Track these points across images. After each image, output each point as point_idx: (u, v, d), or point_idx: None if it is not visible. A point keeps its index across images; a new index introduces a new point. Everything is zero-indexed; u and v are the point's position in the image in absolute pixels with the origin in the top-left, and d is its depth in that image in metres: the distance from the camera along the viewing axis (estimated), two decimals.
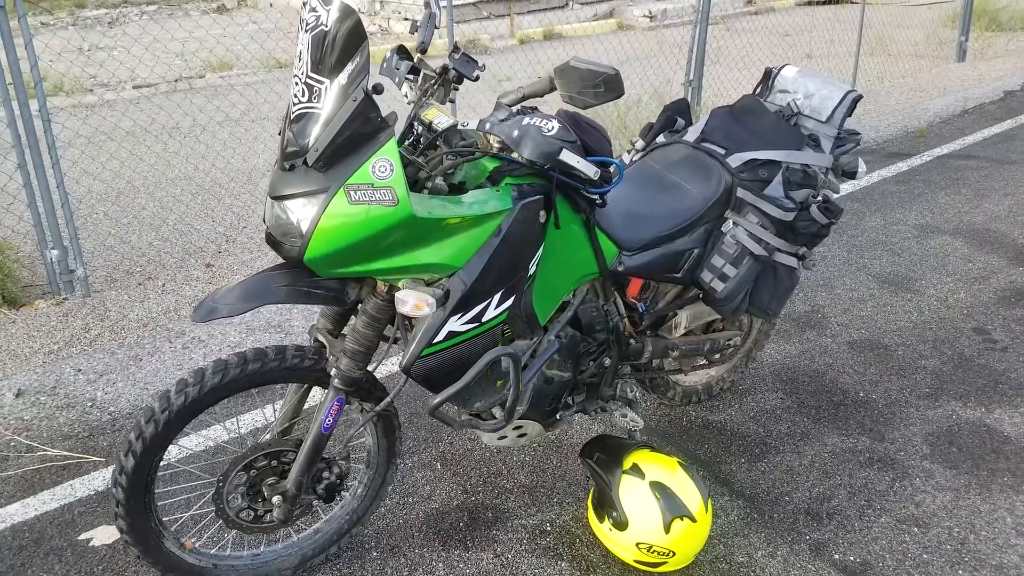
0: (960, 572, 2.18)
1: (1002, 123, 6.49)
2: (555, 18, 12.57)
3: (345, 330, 2.04)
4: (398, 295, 1.75)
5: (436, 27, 2.13)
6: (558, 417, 2.34)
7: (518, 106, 1.88)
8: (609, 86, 1.68)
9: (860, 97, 2.45)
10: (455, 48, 2.07)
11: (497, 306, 1.90)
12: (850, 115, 2.46)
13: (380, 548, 2.32)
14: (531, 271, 1.96)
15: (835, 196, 2.39)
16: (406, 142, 1.98)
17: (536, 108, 2.13)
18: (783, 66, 2.60)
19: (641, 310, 2.45)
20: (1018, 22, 10.64)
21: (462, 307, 1.83)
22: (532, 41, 11.16)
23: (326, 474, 2.09)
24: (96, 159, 5.63)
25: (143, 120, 6.62)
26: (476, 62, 2.06)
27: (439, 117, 1.94)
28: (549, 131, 1.66)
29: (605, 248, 2.22)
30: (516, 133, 1.66)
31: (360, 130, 1.66)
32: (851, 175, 2.51)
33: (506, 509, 2.49)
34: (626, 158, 2.69)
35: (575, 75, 1.70)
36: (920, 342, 3.35)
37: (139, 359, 3.37)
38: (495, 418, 2.12)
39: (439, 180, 1.82)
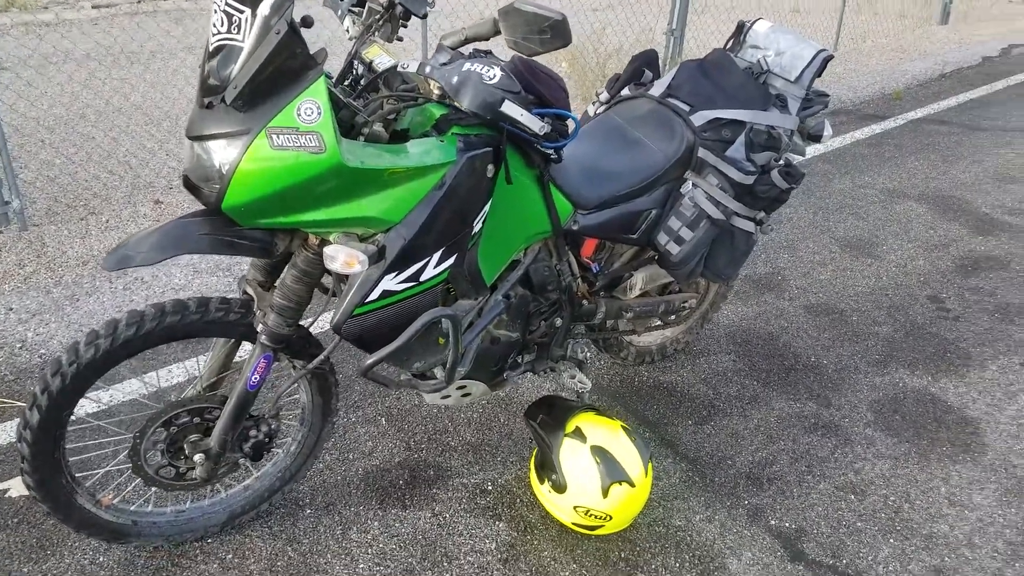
0: (891, 540, 2.21)
1: (977, 89, 6.46)
2: None
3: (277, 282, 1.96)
4: (327, 251, 1.66)
5: None
6: (505, 377, 2.30)
7: (468, 49, 1.78)
8: (556, 32, 1.57)
9: (831, 57, 2.38)
10: None
11: (437, 265, 1.83)
12: (819, 76, 2.39)
13: (315, 506, 2.29)
14: (476, 228, 1.89)
15: (799, 160, 2.34)
16: (345, 83, 1.87)
17: (490, 52, 2.04)
18: (756, 20, 2.51)
19: (595, 271, 2.40)
20: None
21: (398, 265, 1.75)
22: None
23: (253, 432, 1.99)
24: (46, 84, 5.41)
25: (103, 43, 6.36)
26: None
27: (381, 57, 1.83)
28: (490, 79, 1.55)
29: (559, 206, 2.15)
30: (456, 80, 1.55)
31: (284, 67, 1.50)
32: (816, 138, 2.46)
33: (448, 467, 2.47)
34: (591, 110, 2.61)
35: (520, 18, 1.59)
36: (875, 308, 3.35)
37: (75, 299, 3.27)
38: (436, 379, 2.07)
39: (377, 126, 1.70)
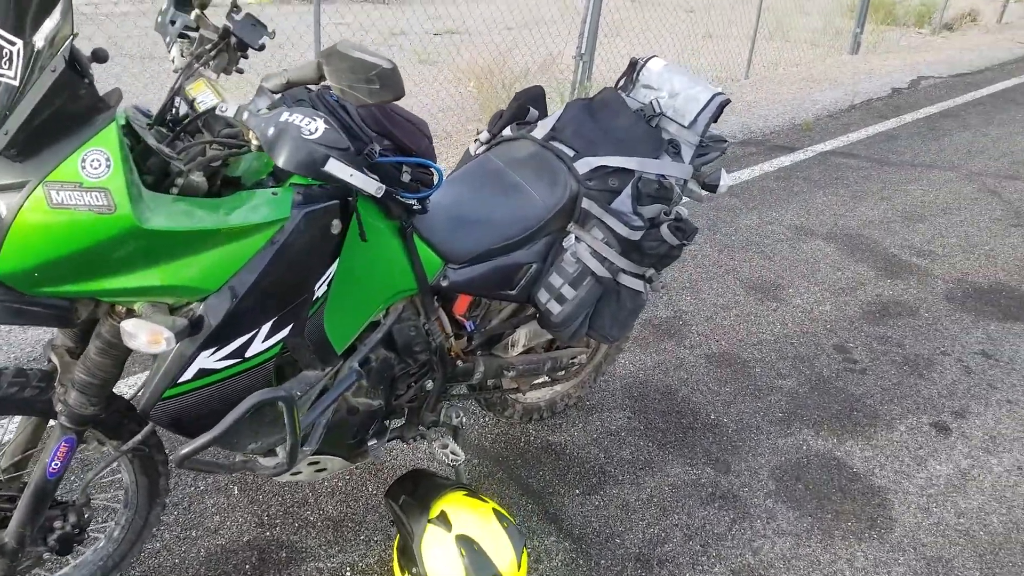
0: None
1: (886, 121, 6.49)
2: None
3: None
4: (124, 326, 1.34)
5: None
6: (366, 448, 2.02)
7: (290, 94, 1.50)
8: (385, 83, 1.32)
9: (727, 102, 2.17)
10: (234, 6, 1.65)
11: (267, 338, 1.53)
12: (715, 120, 2.19)
13: None
14: (319, 293, 1.60)
15: (691, 210, 2.12)
16: (165, 121, 1.58)
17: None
18: (649, 57, 2.30)
19: (469, 329, 2.13)
20: (912, 17, 10.81)
21: (217, 340, 1.46)
22: None
23: (59, 523, 1.70)
24: None
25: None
26: (264, 26, 1.66)
27: (204, 94, 1.53)
28: (311, 133, 1.27)
29: (426, 260, 1.88)
30: (271, 132, 1.27)
31: (66, 110, 1.25)
32: (712, 188, 2.26)
33: (304, 547, 2.16)
34: (472, 148, 2.35)
35: (344, 63, 1.32)
36: (779, 359, 3.18)
37: None
38: (278, 459, 1.77)
39: (196, 176, 1.41)
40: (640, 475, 2.51)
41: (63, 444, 1.57)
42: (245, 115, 1.37)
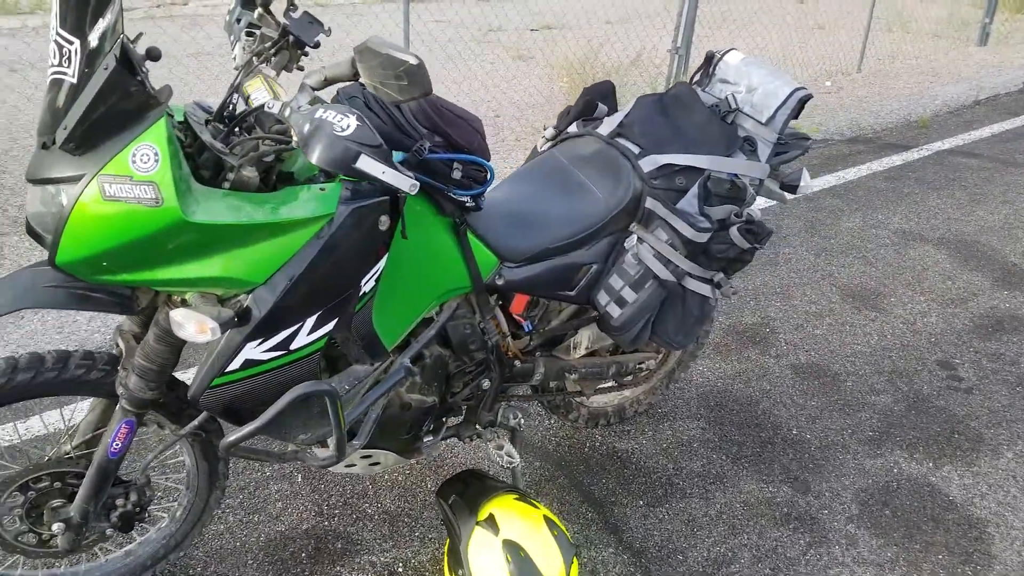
0: None
1: (1015, 118, 5.99)
2: None
3: None
4: (173, 316, 1.40)
5: None
6: (420, 445, 1.99)
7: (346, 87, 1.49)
8: (413, 79, 1.31)
9: (809, 97, 2.02)
10: (291, 4, 1.65)
11: (312, 331, 1.53)
12: (796, 117, 2.04)
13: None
14: (365, 289, 1.59)
15: (759, 216, 1.98)
16: (223, 117, 1.60)
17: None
18: (727, 50, 2.16)
19: (527, 330, 2.07)
20: None
21: (263, 331, 1.48)
22: None
23: (121, 501, 1.77)
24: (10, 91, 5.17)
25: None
26: (320, 24, 1.66)
27: (258, 91, 1.55)
28: (343, 130, 1.27)
29: (481, 258, 1.83)
30: (307, 129, 1.29)
31: (120, 106, 1.31)
32: (791, 189, 2.10)
33: (359, 540, 2.15)
34: (540, 144, 2.28)
35: (375, 60, 1.33)
36: (875, 372, 2.96)
37: None
38: (328, 452, 1.77)
39: (248, 171, 1.44)
40: (710, 490, 2.37)
41: (123, 426, 1.64)
42: (287, 111, 1.38)
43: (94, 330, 2.99)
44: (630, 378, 2.40)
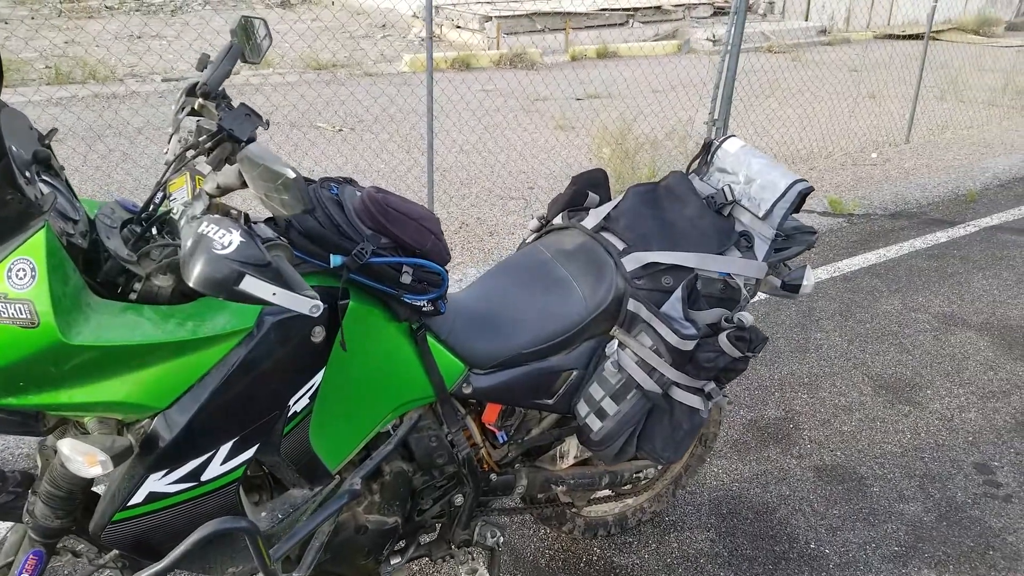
0: None
1: None
2: (613, 36, 12.00)
3: None
4: (60, 447, 1.26)
5: (251, 58, 1.65)
6: (383, 570, 1.84)
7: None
8: (291, 193, 1.21)
9: (810, 190, 1.88)
10: (224, 96, 1.57)
11: (226, 460, 1.40)
12: (796, 211, 1.90)
13: None
14: (296, 409, 1.46)
15: (750, 321, 1.82)
16: (143, 219, 1.50)
17: (352, 180, 1.65)
18: (727, 137, 2.05)
19: (502, 440, 1.93)
20: None
21: (168, 461, 1.35)
22: (585, 58, 10.64)
23: None
24: (80, 160, 5.33)
25: (161, 116, 6.34)
26: (259, 117, 1.56)
27: (180, 191, 1.46)
28: (224, 248, 1.14)
29: (444, 365, 1.71)
30: (188, 245, 1.16)
31: None
32: (792, 289, 1.95)
33: None
34: (528, 234, 2.18)
35: (255, 170, 1.22)
36: (905, 476, 2.72)
37: None
38: None
39: (159, 280, 1.32)
40: None
41: (31, 557, 1.48)
42: (182, 222, 1.28)
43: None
44: (628, 487, 2.23)
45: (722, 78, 5.44)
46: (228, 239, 1.14)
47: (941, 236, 4.83)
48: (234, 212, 1.34)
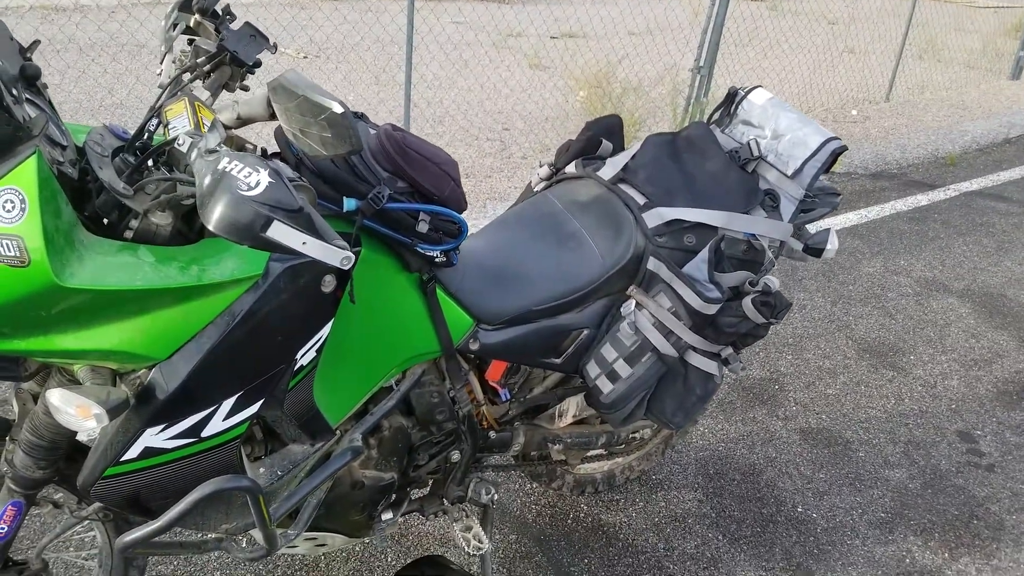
0: None
1: None
2: None
3: None
4: (49, 398, 1.12)
5: None
6: (375, 525, 1.76)
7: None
8: (336, 131, 1.05)
9: (843, 149, 1.78)
10: (228, 12, 1.41)
11: (229, 416, 1.28)
12: (827, 171, 1.80)
13: None
14: (303, 362, 1.34)
15: (777, 286, 1.74)
16: (135, 147, 1.34)
17: (364, 115, 1.50)
18: (752, 88, 1.93)
19: (504, 398, 1.84)
20: None
21: (166, 416, 1.22)
22: None
23: None
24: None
25: (109, 32, 5.94)
26: (265, 38, 1.41)
27: (179, 119, 1.29)
28: (250, 188, 0.99)
29: (452, 319, 1.60)
30: (207, 183, 1.01)
31: None
32: (815, 253, 1.86)
33: None
34: (535, 182, 2.05)
35: (291, 101, 1.06)
36: (890, 442, 2.72)
37: None
38: (255, 544, 1.53)
39: (158, 218, 1.17)
40: (702, 575, 2.14)
41: (10, 507, 1.38)
42: (193, 154, 1.12)
43: None
44: (622, 447, 2.17)
45: (710, 23, 5.29)
46: (255, 179, 0.99)
47: (922, 199, 4.82)
48: (249, 146, 1.19)
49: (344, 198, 1.32)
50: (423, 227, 1.40)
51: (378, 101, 5.33)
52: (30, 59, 1.22)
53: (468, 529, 1.88)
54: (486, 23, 7.41)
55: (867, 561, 2.23)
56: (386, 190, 1.34)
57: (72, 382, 1.25)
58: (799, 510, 2.40)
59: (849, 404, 2.90)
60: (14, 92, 1.09)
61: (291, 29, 6.48)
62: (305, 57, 6.33)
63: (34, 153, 1.05)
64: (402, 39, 5.72)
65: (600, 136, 1.95)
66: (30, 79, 1.15)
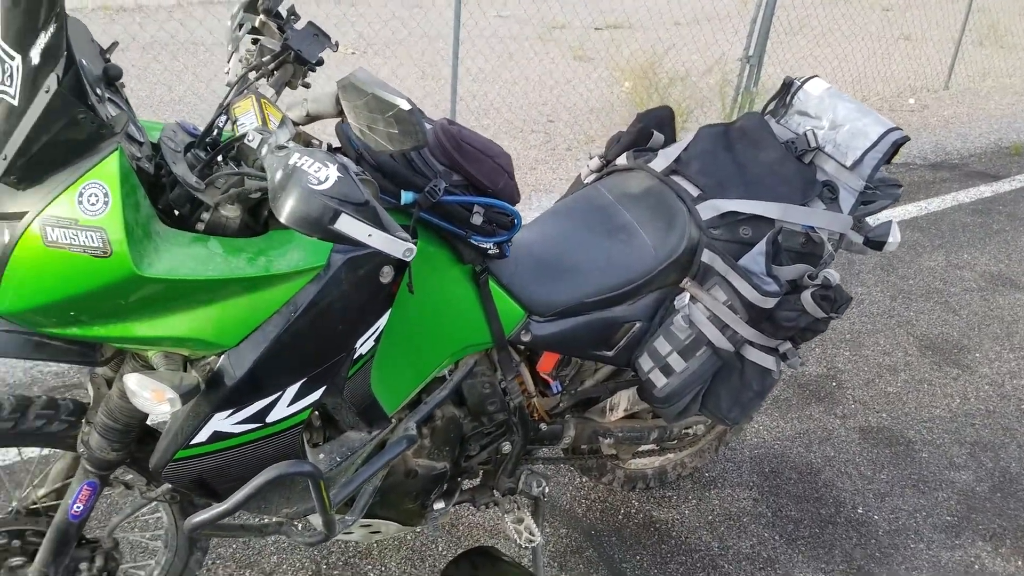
0: None
1: None
2: None
3: None
4: (126, 382, 1.18)
5: None
6: (427, 514, 1.76)
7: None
8: (403, 127, 1.07)
9: (905, 140, 1.71)
10: (292, 13, 1.43)
11: (293, 402, 1.32)
12: (888, 162, 1.73)
13: None
14: (361, 351, 1.37)
15: (837, 279, 1.68)
16: (206, 143, 1.38)
17: (418, 109, 1.49)
18: (808, 78, 1.86)
19: (556, 390, 1.81)
20: None
21: (234, 401, 1.27)
22: None
23: (85, 566, 1.58)
24: None
25: (170, 31, 6.05)
26: (327, 36, 1.44)
27: (247, 115, 1.32)
28: (319, 183, 1.01)
29: (504, 311, 1.59)
30: (279, 177, 1.03)
31: (65, 136, 1.10)
32: (877, 246, 1.79)
33: None
34: (584, 174, 2.02)
35: (360, 99, 1.10)
36: (955, 443, 2.61)
37: None
38: (314, 529, 1.57)
39: (227, 210, 1.22)
40: None
41: (85, 487, 1.45)
42: (264, 149, 1.14)
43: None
44: (674, 443, 2.12)
45: (760, 11, 5.18)
46: (324, 173, 1.01)
47: (985, 190, 4.65)
48: (315, 142, 1.21)
49: (402, 191, 1.34)
50: (477, 219, 1.42)
51: (424, 95, 5.34)
52: (110, 60, 1.28)
53: (520, 521, 1.86)
54: (531, 15, 7.37)
55: (932, 566, 2.15)
56: (442, 183, 1.36)
57: (146, 367, 1.31)
58: (859, 511, 2.32)
59: (911, 403, 2.80)
60: (98, 92, 1.14)
61: (341, 25, 6.53)
62: (352, 53, 6.37)
63: (116, 150, 1.11)
64: (448, 33, 5.71)
65: (651, 128, 1.92)
66: (111, 79, 1.20)
